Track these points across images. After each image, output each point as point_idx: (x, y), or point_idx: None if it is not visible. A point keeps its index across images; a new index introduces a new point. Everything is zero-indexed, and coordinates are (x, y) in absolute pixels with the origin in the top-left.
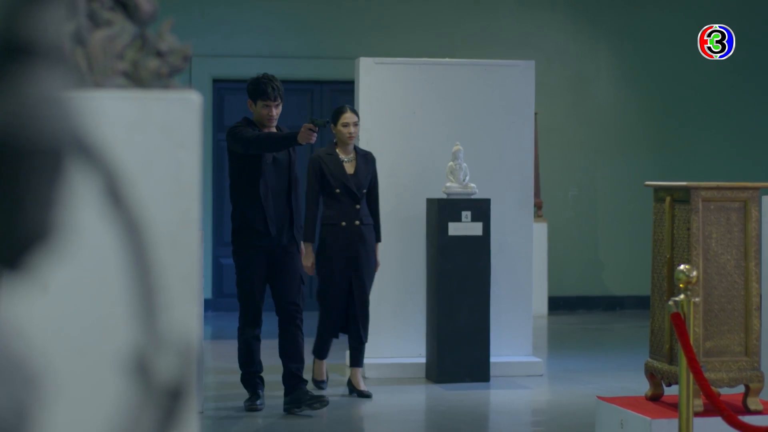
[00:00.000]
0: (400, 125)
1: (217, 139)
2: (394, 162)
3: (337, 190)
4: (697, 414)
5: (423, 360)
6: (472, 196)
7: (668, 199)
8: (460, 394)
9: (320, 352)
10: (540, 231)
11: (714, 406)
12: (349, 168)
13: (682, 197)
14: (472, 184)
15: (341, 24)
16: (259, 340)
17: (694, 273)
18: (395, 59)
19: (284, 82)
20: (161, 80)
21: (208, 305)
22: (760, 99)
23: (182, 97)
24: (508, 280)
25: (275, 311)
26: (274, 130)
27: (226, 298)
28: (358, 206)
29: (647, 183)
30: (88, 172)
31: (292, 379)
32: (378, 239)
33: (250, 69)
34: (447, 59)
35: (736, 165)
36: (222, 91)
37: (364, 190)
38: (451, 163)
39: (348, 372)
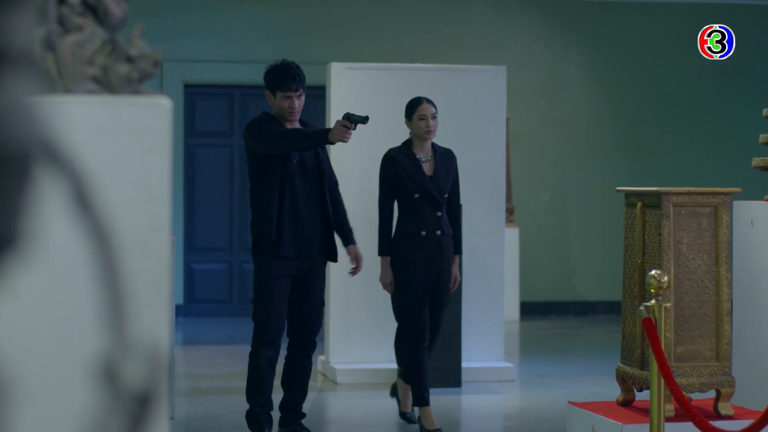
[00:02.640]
0: (372, 130)
1: (188, 144)
2: (366, 167)
3: (416, 195)
4: (668, 419)
5: (395, 365)
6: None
7: (639, 204)
8: (432, 400)
9: (409, 377)
10: (512, 236)
11: (685, 411)
12: (428, 169)
13: (653, 202)
14: None
15: (313, 29)
16: (273, 368)
17: (665, 278)
18: (367, 64)
19: (256, 87)
20: (131, 85)
21: (180, 311)
22: (732, 104)
23: (152, 102)
24: (479, 286)
25: (286, 332)
26: (297, 125)
27: (198, 304)
28: (439, 213)
29: (618, 188)
30: (56, 177)
31: (293, 415)
32: (458, 251)
33: (221, 74)
34: (419, 64)
35: (708, 170)
36: (193, 96)
37: (446, 195)
38: None
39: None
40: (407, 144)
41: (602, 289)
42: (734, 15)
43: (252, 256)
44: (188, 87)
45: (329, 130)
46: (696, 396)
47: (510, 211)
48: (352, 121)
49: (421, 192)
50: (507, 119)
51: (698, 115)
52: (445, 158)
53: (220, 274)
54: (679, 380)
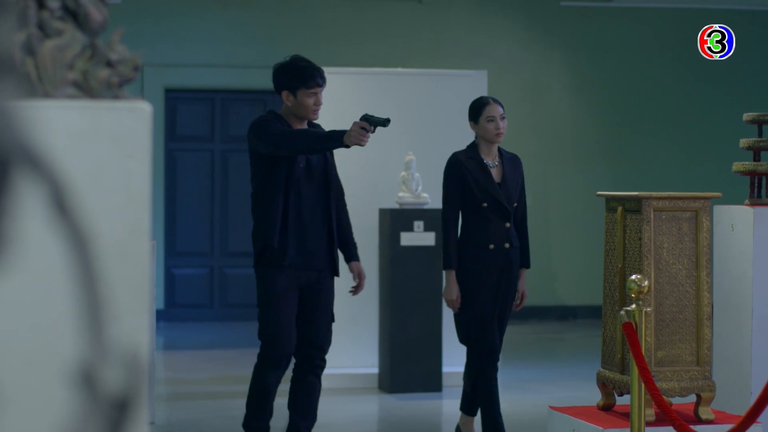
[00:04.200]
0: None
1: (169, 149)
2: (347, 172)
3: (485, 204)
4: (648, 423)
5: (375, 370)
6: (425, 206)
7: (620, 209)
8: (412, 405)
9: (471, 406)
10: None
11: (665, 416)
12: (496, 176)
13: (633, 207)
14: (425, 194)
15: (294, 33)
16: (277, 385)
17: (646, 283)
18: (348, 69)
19: (237, 92)
20: (111, 90)
21: (161, 316)
22: (712, 109)
23: (132, 107)
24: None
25: (294, 351)
26: (306, 126)
27: (179, 309)
28: (508, 224)
29: (599, 193)
30: (34, 182)
31: None
32: (526, 264)
33: (202, 79)
34: (399, 69)
35: (689, 175)
36: (174, 101)
37: (515, 204)
38: (403, 173)
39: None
40: (473, 148)
41: (583, 293)
42: (715, 20)
43: (255, 268)
44: (169, 91)
45: (344, 132)
46: (676, 400)
47: None
48: (371, 123)
49: (490, 201)
50: None
51: (679, 119)
52: (513, 163)
53: (200, 278)
54: (660, 385)
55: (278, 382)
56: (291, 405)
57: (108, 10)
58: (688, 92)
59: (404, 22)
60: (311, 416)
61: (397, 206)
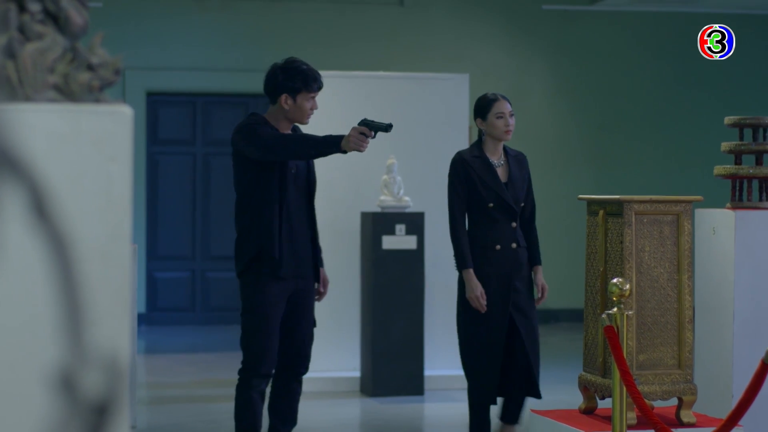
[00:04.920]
0: None
1: (150, 152)
2: (328, 176)
3: (491, 204)
4: (630, 427)
5: (357, 374)
6: (407, 210)
7: (601, 212)
8: (394, 408)
9: (481, 430)
10: None
11: (647, 419)
12: (502, 175)
13: (615, 210)
14: (407, 198)
15: (275, 37)
16: (263, 398)
17: (627, 286)
18: (330, 72)
19: (219, 95)
20: (92, 93)
21: (142, 319)
22: (694, 113)
23: (113, 110)
24: (442, 294)
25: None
26: (289, 131)
27: (160, 312)
28: (514, 224)
29: (581, 196)
30: (13, 185)
31: None
32: (538, 261)
33: (184, 82)
34: (381, 72)
35: (671, 178)
36: (156, 104)
37: (522, 204)
38: (385, 176)
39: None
40: (478, 146)
41: (565, 297)
42: (696, 24)
43: (240, 276)
44: (151, 95)
45: (342, 137)
46: (658, 404)
47: None
48: (371, 128)
49: (496, 201)
50: (470, 127)
51: (661, 123)
52: (519, 162)
53: (182, 282)
54: (641, 388)
55: (263, 396)
56: (272, 410)
57: (89, 14)
58: (669, 96)
59: (386, 26)
60: (292, 421)
61: (378, 210)
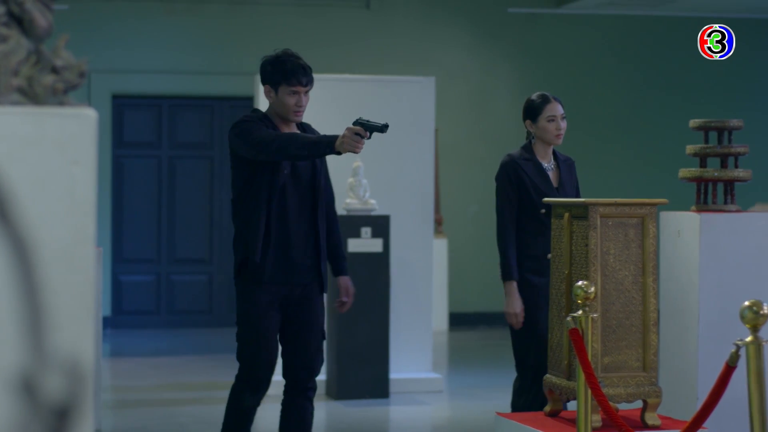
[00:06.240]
0: None
1: (116, 155)
2: None
3: (542, 210)
4: (595, 429)
5: (323, 377)
6: (372, 213)
7: (567, 215)
8: (360, 411)
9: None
10: (440, 247)
11: (612, 422)
12: (554, 180)
13: (580, 213)
14: (372, 201)
15: (240, 39)
16: (254, 411)
17: (592, 289)
18: None
19: (184, 98)
20: (57, 96)
21: (107, 323)
22: (659, 115)
23: (78, 113)
24: (408, 297)
25: (282, 373)
26: (294, 128)
27: (126, 316)
28: None
29: (546, 200)
30: None
31: None
32: None
33: (149, 85)
34: (346, 75)
35: (636, 181)
36: (121, 107)
37: None
38: (351, 179)
39: None
40: (528, 149)
41: None
42: (661, 27)
43: (234, 281)
44: (116, 98)
45: (336, 137)
46: (623, 406)
47: (438, 222)
48: (366, 128)
49: (549, 207)
50: (436, 130)
51: (626, 126)
52: (568, 167)
53: (147, 285)
54: (606, 391)
55: (257, 405)
56: (282, 431)
57: (53, 16)
58: (635, 99)
59: (351, 28)
60: None
61: (344, 212)
